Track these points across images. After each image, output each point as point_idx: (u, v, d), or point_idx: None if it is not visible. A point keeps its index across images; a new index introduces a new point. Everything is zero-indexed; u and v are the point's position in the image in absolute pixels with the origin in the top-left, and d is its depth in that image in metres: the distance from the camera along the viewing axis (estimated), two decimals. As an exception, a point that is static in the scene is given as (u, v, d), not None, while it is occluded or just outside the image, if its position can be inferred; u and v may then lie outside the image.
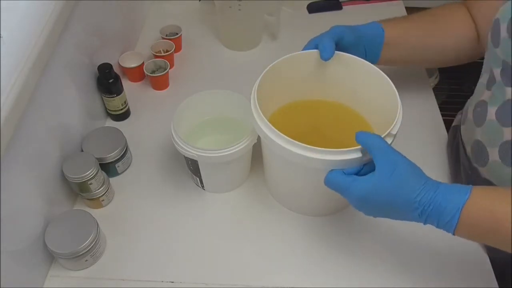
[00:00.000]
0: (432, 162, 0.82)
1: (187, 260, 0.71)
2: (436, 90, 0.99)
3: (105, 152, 0.77)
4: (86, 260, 0.68)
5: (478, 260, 0.70)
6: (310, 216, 0.76)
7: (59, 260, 0.68)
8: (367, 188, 0.56)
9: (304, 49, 0.72)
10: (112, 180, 0.80)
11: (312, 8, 1.17)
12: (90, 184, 0.72)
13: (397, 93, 0.65)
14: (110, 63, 0.83)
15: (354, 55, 0.72)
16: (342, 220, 0.76)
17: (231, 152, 0.69)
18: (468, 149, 0.75)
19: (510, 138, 0.65)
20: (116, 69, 0.87)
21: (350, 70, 0.72)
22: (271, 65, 0.69)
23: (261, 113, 0.63)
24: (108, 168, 0.79)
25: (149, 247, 0.73)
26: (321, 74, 0.74)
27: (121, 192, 0.79)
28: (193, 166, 0.74)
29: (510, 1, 0.63)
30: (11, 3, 0.60)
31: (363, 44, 0.74)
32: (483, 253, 0.71)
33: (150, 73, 0.94)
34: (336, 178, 0.59)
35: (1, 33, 0.57)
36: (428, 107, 0.92)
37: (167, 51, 0.99)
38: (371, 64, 0.69)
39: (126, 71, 0.97)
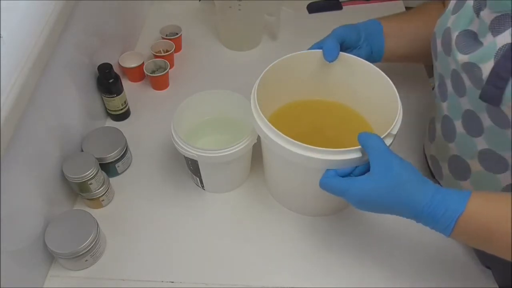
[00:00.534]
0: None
1: (187, 260, 0.71)
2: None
3: (105, 152, 0.77)
4: (86, 260, 0.68)
5: (478, 260, 0.70)
6: (310, 216, 0.76)
7: (59, 260, 0.68)
8: (364, 189, 0.56)
9: (311, 49, 0.73)
10: (112, 180, 0.80)
11: (312, 8, 1.17)
12: (90, 184, 0.72)
13: (397, 93, 0.65)
14: (110, 63, 0.83)
15: (360, 51, 0.72)
16: (342, 220, 0.76)
17: (231, 152, 0.69)
18: (429, 162, 0.76)
19: (456, 153, 0.66)
20: (116, 69, 0.87)
21: (350, 70, 0.72)
22: (271, 65, 0.69)
23: (261, 113, 0.63)
24: (108, 168, 0.79)
25: (149, 247, 0.73)
26: (321, 74, 0.74)
27: (121, 192, 0.79)
28: (193, 166, 0.74)
29: (444, 14, 0.64)
30: (11, 3, 0.60)
31: (366, 39, 0.75)
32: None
33: (150, 73, 0.94)
34: (332, 181, 0.59)
35: (1, 33, 0.57)
36: (427, 108, 0.92)
37: (167, 51, 0.99)
38: (371, 64, 0.69)
39: (126, 71, 0.97)
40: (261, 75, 0.68)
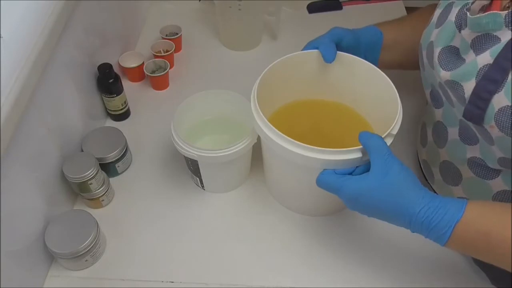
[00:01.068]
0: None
1: (187, 260, 0.71)
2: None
3: (105, 152, 0.77)
4: (86, 260, 0.68)
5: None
6: (310, 216, 0.76)
7: (59, 260, 0.68)
8: (359, 188, 0.55)
9: (303, 50, 0.73)
10: (112, 180, 0.80)
11: (312, 8, 1.17)
12: (90, 184, 0.72)
13: (397, 93, 0.65)
14: (110, 63, 0.83)
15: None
16: (342, 220, 0.76)
17: (231, 152, 0.69)
18: (421, 166, 0.77)
19: (446, 158, 0.65)
20: (116, 69, 0.87)
21: (350, 70, 0.72)
22: (271, 65, 0.69)
23: (261, 113, 0.63)
24: (108, 168, 0.79)
25: (149, 247, 0.73)
26: (321, 74, 0.74)
27: (121, 192, 0.79)
28: (193, 166, 0.74)
29: (428, 26, 0.64)
30: (11, 3, 0.60)
31: (362, 47, 0.74)
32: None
33: (150, 73, 0.94)
34: (327, 178, 0.59)
35: (1, 33, 0.57)
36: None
37: (167, 51, 0.99)
38: (371, 64, 0.69)
39: (126, 71, 0.97)
40: (261, 75, 0.68)
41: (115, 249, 0.72)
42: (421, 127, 0.75)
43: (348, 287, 0.68)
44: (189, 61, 1.04)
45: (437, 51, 0.60)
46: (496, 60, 0.51)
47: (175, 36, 1.02)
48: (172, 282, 0.69)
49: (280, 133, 0.60)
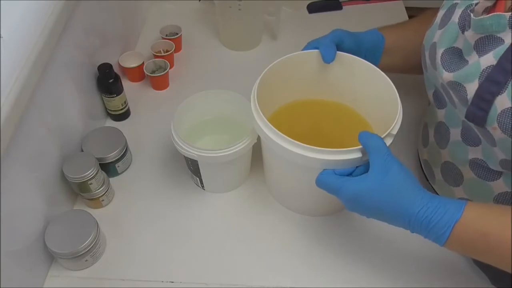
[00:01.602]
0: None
1: (187, 260, 0.71)
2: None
3: (105, 152, 0.77)
4: (86, 260, 0.68)
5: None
6: (310, 216, 0.76)
7: (59, 260, 0.68)
8: (358, 189, 0.55)
9: (304, 50, 0.72)
10: (112, 180, 0.80)
11: (312, 8, 1.17)
12: (90, 184, 0.72)
13: (397, 93, 0.65)
14: (110, 63, 0.83)
15: None
16: (342, 220, 0.76)
17: (231, 152, 0.69)
18: (422, 165, 0.76)
19: (448, 159, 0.66)
20: (116, 69, 0.87)
21: (350, 70, 0.72)
22: (271, 65, 0.69)
23: (261, 113, 0.63)
24: (108, 168, 0.79)
25: (149, 247, 0.73)
26: (321, 74, 0.74)
27: (121, 192, 0.79)
28: (193, 166, 0.74)
29: (431, 27, 0.64)
30: (11, 3, 0.60)
31: (363, 51, 0.74)
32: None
33: (150, 73, 0.94)
34: (327, 179, 0.59)
35: (1, 33, 0.57)
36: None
37: (167, 51, 0.99)
38: (371, 64, 0.69)
39: (126, 71, 0.97)
40: (261, 75, 0.68)
41: (115, 249, 0.72)
42: (423, 127, 0.74)
43: (348, 287, 0.68)
44: (189, 61, 1.04)
45: (440, 52, 0.60)
46: (500, 61, 0.51)
47: (175, 36, 1.02)
48: (172, 282, 0.69)
49: (280, 133, 0.60)
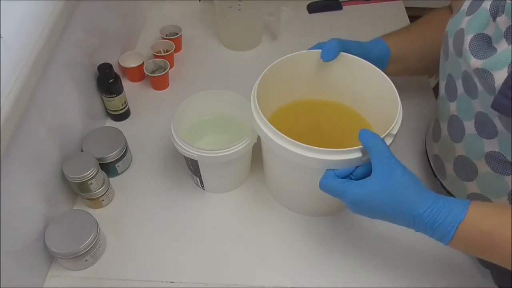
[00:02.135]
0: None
1: (187, 260, 0.71)
2: (437, 90, 0.99)
3: (105, 152, 0.77)
4: (86, 260, 0.68)
5: (476, 260, 0.70)
6: (310, 216, 0.76)
7: (59, 260, 0.68)
8: (362, 193, 0.56)
9: (310, 49, 0.72)
10: (112, 180, 0.80)
11: (312, 8, 1.17)
12: (90, 184, 0.72)
13: (397, 93, 0.65)
14: (110, 63, 0.83)
15: None
16: (342, 220, 0.76)
17: (231, 152, 0.69)
18: (431, 161, 0.76)
19: (462, 153, 0.65)
20: (116, 69, 0.87)
21: (350, 70, 0.72)
22: (271, 65, 0.69)
23: (261, 113, 0.63)
24: (108, 168, 0.79)
25: (149, 247, 0.73)
26: (321, 74, 0.74)
27: (121, 192, 0.79)
28: (193, 166, 0.74)
29: (457, 14, 0.64)
30: (11, 3, 0.60)
31: (369, 61, 0.74)
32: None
33: (150, 73, 0.94)
34: (331, 183, 0.59)
35: (1, 33, 0.57)
36: (428, 107, 0.92)
37: (167, 51, 0.99)
38: (371, 64, 0.69)
39: (126, 71, 0.97)
40: (261, 75, 0.68)
41: (115, 249, 0.72)
42: (434, 122, 0.74)
43: (349, 287, 0.68)
44: (189, 61, 1.03)
45: (468, 38, 0.59)
46: None
47: (175, 36, 1.02)
48: (172, 282, 0.69)
49: (280, 133, 0.60)
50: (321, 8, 1.17)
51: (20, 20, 0.60)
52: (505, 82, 0.52)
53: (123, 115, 0.90)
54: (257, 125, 0.63)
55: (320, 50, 0.70)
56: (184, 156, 0.71)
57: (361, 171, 0.59)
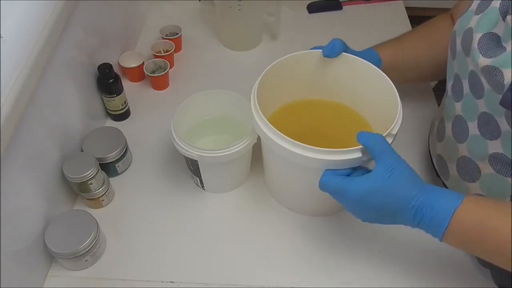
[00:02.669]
0: (430, 162, 0.82)
1: (187, 260, 0.71)
2: (436, 90, 0.99)
3: (105, 152, 0.77)
4: (86, 260, 0.68)
5: (476, 259, 0.70)
6: (310, 216, 0.76)
7: (59, 260, 0.68)
8: (364, 189, 0.55)
9: (313, 49, 0.72)
10: (112, 180, 0.80)
11: (312, 8, 1.17)
12: (90, 184, 0.72)
13: (397, 93, 0.65)
14: (110, 63, 0.83)
15: None
16: (342, 220, 0.76)
17: (231, 152, 0.69)
18: (434, 161, 0.76)
19: (465, 154, 0.65)
20: (116, 69, 0.87)
21: (350, 70, 0.72)
22: (271, 65, 0.69)
23: (261, 113, 0.63)
24: (108, 168, 0.79)
25: (149, 247, 0.73)
26: (321, 74, 0.74)
27: (121, 192, 0.79)
28: (193, 166, 0.74)
29: (466, 13, 0.64)
30: (11, 3, 0.60)
31: None
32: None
33: (150, 73, 0.94)
34: (331, 180, 0.59)
35: (1, 33, 0.57)
36: (428, 107, 0.92)
37: (167, 51, 0.99)
38: (371, 64, 0.69)
39: (126, 71, 0.97)
40: (261, 75, 0.68)
41: (115, 249, 0.72)
42: (439, 122, 0.74)
43: (349, 287, 0.68)
44: (189, 61, 1.04)
45: (477, 36, 0.59)
46: None
47: (175, 36, 1.02)
48: (172, 282, 0.69)
49: (280, 133, 0.60)
50: (321, 8, 1.17)
51: (20, 20, 0.60)
52: None
53: (123, 115, 0.90)
54: (257, 125, 0.63)
55: (321, 50, 0.70)
56: (184, 156, 0.71)
57: (361, 172, 0.59)
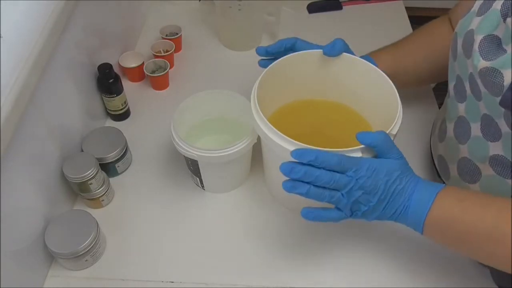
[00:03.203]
0: (431, 162, 0.82)
1: (187, 260, 0.71)
2: (436, 90, 0.99)
3: (105, 152, 0.77)
4: (86, 260, 0.68)
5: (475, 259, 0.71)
6: (310, 216, 0.76)
7: (59, 260, 0.68)
8: (376, 162, 0.56)
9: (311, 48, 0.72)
10: (112, 180, 0.80)
11: (312, 8, 1.17)
12: (90, 184, 0.72)
13: (397, 93, 0.65)
14: (110, 63, 0.83)
15: None
16: (342, 220, 0.76)
17: (231, 152, 0.69)
18: (435, 162, 0.76)
19: (466, 155, 0.66)
20: (116, 69, 0.87)
21: (350, 70, 0.72)
22: (271, 65, 0.69)
23: (261, 113, 0.62)
24: (108, 168, 0.79)
25: (149, 247, 0.73)
26: (321, 74, 0.74)
27: (121, 192, 0.79)
28: (193, 166, 0.74)
29: (467, 15, 0.64)
30: (11, 3, 0.60)
31: None
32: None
33: (150, 73, 0.94)
34: (342, 156, 0.57)
35: (1, 33, 0.57)
36: (428, 107, 0.92)
37: (167, 51, 0.99)
38: (372, 65, 0.69)
39: (126, 71, 0.97)
40: (261, 75, 0.68)
41: (115, 249, 0.72)
42: (441, 122, 0.74)
43: (349, 287, 0.68)
44: (189, 61, 1.04)
45: (478, 38, 0.59)
46: None
47: (175, 36, 1.02)
48: (172, 282, 0.69)
49: (280, 133, 0.60)
50: (321, 8, 1.17)
51: (20, 20, 0.60)
52: None
53: (123, 115, 0.90)
54: (257, 125, 0.63)
55: (321, 50, 0.70)
56: (184, 156, 0.71)
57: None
